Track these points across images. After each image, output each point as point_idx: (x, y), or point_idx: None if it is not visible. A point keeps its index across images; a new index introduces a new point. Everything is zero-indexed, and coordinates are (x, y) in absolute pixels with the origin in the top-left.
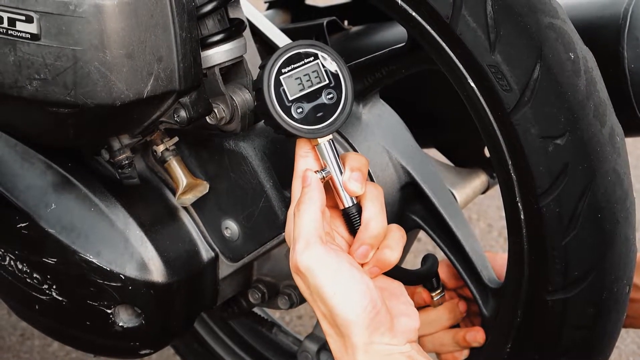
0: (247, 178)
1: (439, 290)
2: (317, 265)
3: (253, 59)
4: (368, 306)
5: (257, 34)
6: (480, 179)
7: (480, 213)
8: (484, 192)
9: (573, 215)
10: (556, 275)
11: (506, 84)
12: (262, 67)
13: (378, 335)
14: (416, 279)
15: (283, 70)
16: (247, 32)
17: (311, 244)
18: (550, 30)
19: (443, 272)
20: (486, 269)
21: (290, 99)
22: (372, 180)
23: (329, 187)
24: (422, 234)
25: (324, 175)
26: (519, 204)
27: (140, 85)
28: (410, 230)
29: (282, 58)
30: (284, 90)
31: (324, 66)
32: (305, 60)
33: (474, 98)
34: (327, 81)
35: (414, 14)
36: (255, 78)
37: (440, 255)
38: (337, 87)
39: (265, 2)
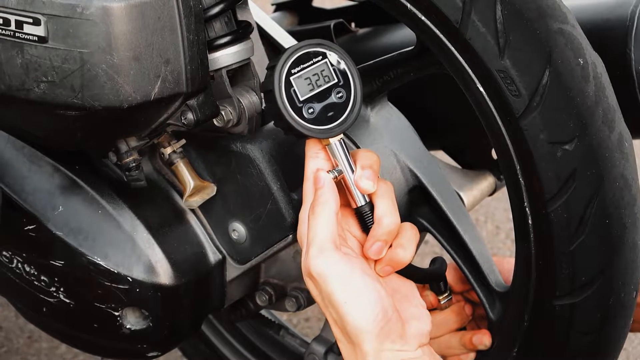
0: (254, 180)
1: (446, 294)
2: (330, 271)
3: (261, 61)
4: (379, 314)
5: (265, 37)
6: (487, 181)
7: (487, 215)
8: (491, 194)
9: (581, 220)
10: (563, 280)
11: (515, 89)
12: (271, 69)
13: (389, 342)
14: (425, 277)
15: (293, 71)
16: (255, 35)
17: (325, 250)
18: (559, 35)
19: (450, 275)
20: (493, 272)
21: (301, 99)
22: None
23: (340, 186)
24: (429, 236)
25: (336, 175)
26: (527, 209)
27: (148, 87)
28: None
29: (292, 59)
30: (294, 91)
31: (332, 65)
32: (314, 60)
33: (483, 103)
34: (336, 80)
35: (423, 18)
36: (263, 80)
37: (447, 258)
38: (346, 86)
39: (273, 5)
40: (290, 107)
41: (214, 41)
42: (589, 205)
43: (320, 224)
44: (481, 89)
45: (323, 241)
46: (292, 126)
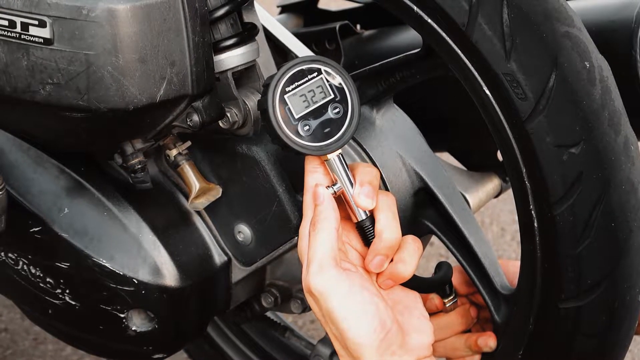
0: (260, 182)
1: (451, 297)
2: (329, 289)
3: (267, 63)
4: (377, 327)
5: (270, 39)
6: (493, 183)
7: (493, 217)
8: (496, 196)
9: (587, 223)
10: (569, 283)
11: (521, 92)
12: (265, 87)
13: (389, 354)
14: (430, 287)
15: (287, 89)
16: (260, 36)
17: (324, 267)
18: (566, 39)
19: (455, 278)
20: (498, 275)
21: (297, 117)
22: (385, 186)
23: (341, 201)
24: (434, 238)
25: (335, 190)
26: (533, 212)
27: (153, 89)
28: (423, 236)
29: (286, 76)
30: (289, 109)
31: (328, 81)
32: (309, 77)
33: (489, 106)
34: (333, 95)
35: (429, 21)
36: (259, 98)
37: (452, 260)
38: (343, 101)
39: (278, 7)
40: (285, 125)
41: (220, 43)
42: (594, 208)
43: (320, 241)
44: (487, 91)
45: (322, 258)
46: (287, 144)
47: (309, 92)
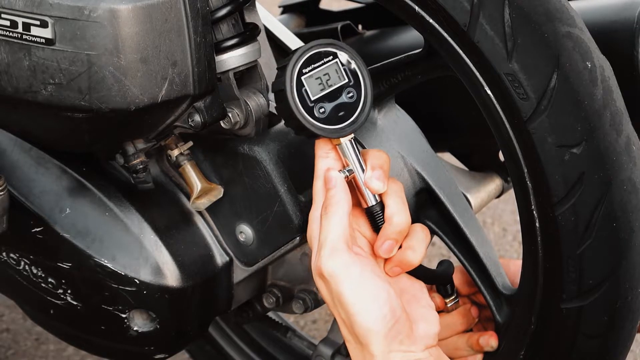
0: (262, 182)
1: (453, 297)
2: (341, 272)
3: (269, 63)
4: (387, 315)
5: (272, 39)
6: (494, 183)
7: (494, 217)
8: (498, 196)
9: (588, 224)
10: (571, 283)
11: (523, 92)
12: (282, 69)
13: (396, 343)
14: (434, 278)
15: (304, 71)
16: (262, 37)
17: (337, 250)
18: (567, 39)
19: (457, 278)
20: (500, 275)
21: (313, 99)
22: None
23: (350, 186)
24: (436, 238)
25: (347, 175)
26: (535, 212)
27: (155, 89)
28: None
29: (303, 58)
30: (305, 90)
31: (343, 65)
32: (325, 60)
33: (491, 106)
34: (347, 80)
35: (431, 21)
36: (274, 80)
37: (454, 260)
38: (357, 86)
39: (280, 7)
40: (302, 106)
41: (221, 43)
42: (596, 208)
43: (333, 224)
44: (489, 92)
45: (335, 241)
46: (303, 126)
47: (325, 75)
